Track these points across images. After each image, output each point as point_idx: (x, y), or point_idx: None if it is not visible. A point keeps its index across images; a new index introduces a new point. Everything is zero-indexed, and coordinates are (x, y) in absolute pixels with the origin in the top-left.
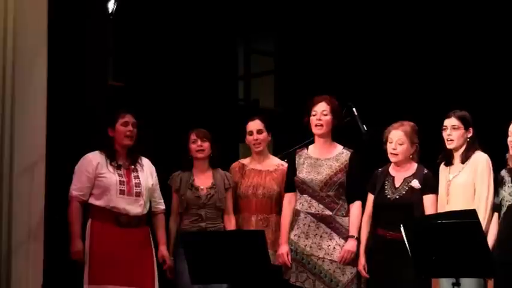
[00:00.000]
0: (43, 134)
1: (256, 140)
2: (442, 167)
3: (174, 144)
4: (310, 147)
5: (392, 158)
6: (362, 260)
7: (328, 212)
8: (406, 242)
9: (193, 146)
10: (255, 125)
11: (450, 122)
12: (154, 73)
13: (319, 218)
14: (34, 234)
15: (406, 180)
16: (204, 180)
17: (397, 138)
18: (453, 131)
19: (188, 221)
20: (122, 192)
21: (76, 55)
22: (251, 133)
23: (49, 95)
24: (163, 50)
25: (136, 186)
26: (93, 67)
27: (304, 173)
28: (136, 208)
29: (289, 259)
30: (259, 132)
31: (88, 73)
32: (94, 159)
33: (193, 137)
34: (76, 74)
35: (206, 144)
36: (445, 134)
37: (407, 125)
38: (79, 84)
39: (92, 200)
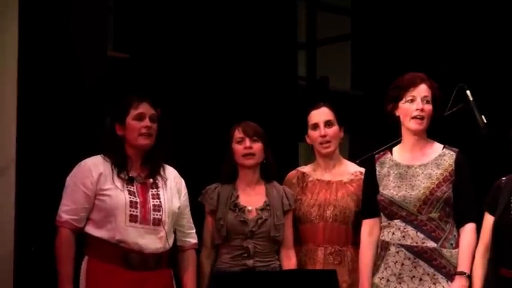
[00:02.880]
0: (13, 132)
1: (324, 136)
2: None
3: (205, 143)
4: (395, 149)
5: None
6: None
7: (431, 244)
8: None
9: (238, 148)
10: (320, 114)
11: None
12: (172, 39)
13: (418, 253)
14: None
15: None
16: (253, 198)
17: None
18: None
19: (228, 257)
20: (133, 218)
21: (64, 17)
22: (316, 126)
23: (26, 74)
24: (184, 4)
25: (155, 211)
26: (87, 33)
27: (391, 188)
28: (154, 243)
29: None
30: (327, 124)
31: (81, 41)
32: (95, 168)
33: (238, 134)
34: (65, 43)
35: (258, 146)
36: None
37: None
38: (69, 58)
39: (90, 229)
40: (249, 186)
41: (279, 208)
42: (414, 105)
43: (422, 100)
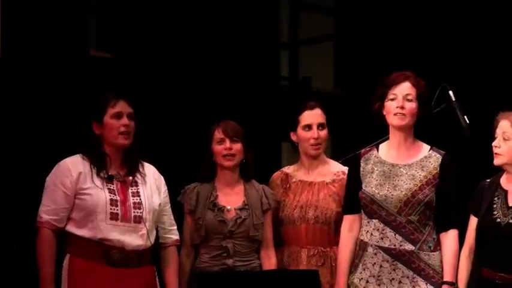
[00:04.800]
0: None
1: (317, 139)
2: None
3: (188, 142)
4: (381, 146)
5: (494, 160)
6: None
7: (409, 246)
8: None
9: (218, 149)
10: (315, 116)
11: None
12: (154, 39)
13: (396, 256)
14: None
15: None
16: (232, 197)
17: (502, 131)
18: None
19: (208, 257)
20: (114, 216)
21: (47, 17)
22: (309, 128)
23: (7, 73)
24: (167, 4)
25: (135, 208)
26: (70, 33)
27: (373, 186)
28: (135, 240)
29: None
30: (321, 127)
31: (64, 41)
32: (74, 167)
33: (218, 134)
34: (47, 42)
35: (238, 146)
36: None
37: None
38: (52, 57)
39: (71, 228)
40: (228, 185)
41: (258, 207)
42: (395, 103)
43: (404, 98)
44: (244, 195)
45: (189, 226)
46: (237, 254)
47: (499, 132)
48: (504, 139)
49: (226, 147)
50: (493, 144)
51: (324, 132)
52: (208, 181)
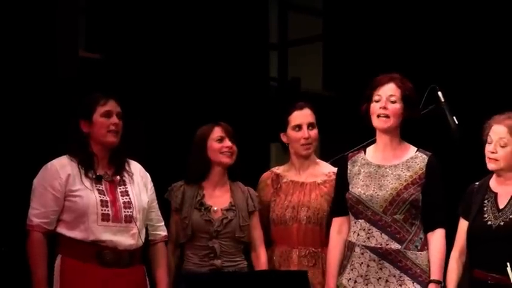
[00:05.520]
0: None
1: (307, 138)
2: None
3: (175, 142)
4: (368, 149)
5: (489, 165)
6: None
7: (395, 246)
8: None
9: (217, 146)
10: (304, 116)
11: None
12: (143, 40)
13: (383, 255)
14: None
15: None
16: (218, 198)
17: (499, 137)
18: None
19: (196, 258)
20: (105, 217)
21: (36, 18)
22: (299, 128)
23: None
24: (156, 5)
25: (125, 208)
26: (59, 34)
27: (359, 187)
28: (127, 239)
29: None
30: (310, 126)
31: (53, 42)
32: (62, 169)
33: (218, 132)
34: (37, 43)
35: (235, 147)
36: None
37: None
38: (41, 58)
39: (62, 229)
40: (215, 186)
41: (244, 209)
42: (379, 103)
43: (387, 99)
44: (230, 196)
45: (175, 224)
46: (224, 255)
47: (494, 137)
48: (501, 145)
49: (227, 145)
50: (489, 150)
51: (314, 132)
52: (197, 181)
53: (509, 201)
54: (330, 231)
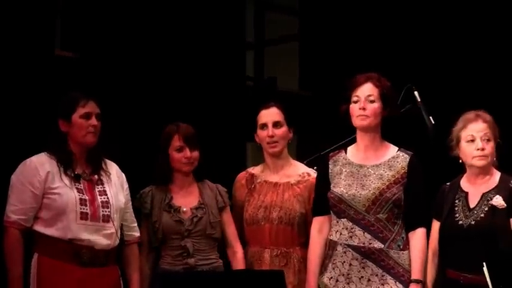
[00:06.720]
0: None
1: (272, 137)
2: None
3: (149, 142)
4: (349, 148)
5: (480, 162)
6: None
7: (378, 245)
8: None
9: (177, 156)
10: (270, 114)
11: None
12: (119, 39)
13: (366, 254)
14: None
15: (485, 196)
16: (187, 199)
17: (482, 133)
18: None
19: (169, 258)
20: (83, 216)
21: (11, 16)
22: (264, 126)
23: None
24: (131, 4)
25: (103, 207)
26: (34, 33)
27: (342, 186)
28: (104, 239)
29: None
30: (276, 125)
31: (28, 41)
32: (41, 166)
33: (177, 142)
34: (12, 42)
35: (196, 154)
36: None
37: (487, 116)
38: (14, 56)
39: (39, 227)
40: (182, 187)
41: (214, 206)
42: (358, 104)
43: (366, 99)
44: (199, 195)
45: (146, 229)
46: (197, 253)
47: (476, 135)
48: (487, 140)
49: (186, 156)
50: (478, 147)
51: (280, 131)
52: (164, 184)
53: (480, 200)
54: (303, 231)
